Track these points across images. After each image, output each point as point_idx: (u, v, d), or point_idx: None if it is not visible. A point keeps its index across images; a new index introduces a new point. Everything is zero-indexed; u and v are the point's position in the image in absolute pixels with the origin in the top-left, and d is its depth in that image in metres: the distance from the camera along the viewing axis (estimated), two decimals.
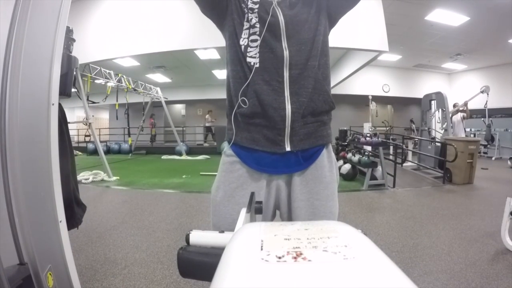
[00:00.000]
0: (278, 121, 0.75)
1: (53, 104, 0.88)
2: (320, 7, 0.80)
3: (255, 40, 0.76)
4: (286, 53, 0.75)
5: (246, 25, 0.78)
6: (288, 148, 0.77)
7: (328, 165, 0.84)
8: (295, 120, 0.76)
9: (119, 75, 6.72)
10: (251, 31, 0.77)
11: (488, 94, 5.95)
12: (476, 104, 8.48)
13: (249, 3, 0.79)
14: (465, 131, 6.13)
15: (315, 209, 0.81)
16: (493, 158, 8.21)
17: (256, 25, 0.76)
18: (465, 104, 6.03)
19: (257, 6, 0.78)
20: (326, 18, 0.82)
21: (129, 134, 8.11)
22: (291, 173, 0.81)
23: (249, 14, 0.77)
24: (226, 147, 0.86)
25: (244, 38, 0.77)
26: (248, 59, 0.76)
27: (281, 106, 0.75)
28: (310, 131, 0.79)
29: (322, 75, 0.79)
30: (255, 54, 0.76)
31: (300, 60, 0.75)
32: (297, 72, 0.75)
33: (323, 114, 0.81)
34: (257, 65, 0.75)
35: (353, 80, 8.97)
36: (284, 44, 0.75)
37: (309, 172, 0.81)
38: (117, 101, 7.07)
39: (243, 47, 0.77)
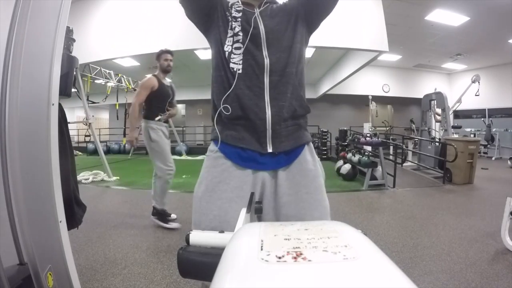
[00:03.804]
0: (259, 125, 0.79)
1: (53, 104, 0.88)
2: (297, 16, 0.84)
3: (239, 48, 0.80)
4: (266, 61, 0.79)
5: (230, 33, 0.81)
6: (270, 150, 0.80)
7: (312, 160, 0.86)
8: (275, 123, 0.79)
9: (119, 75, 6.72)
10: (234, 39, 0.81)
11: (479, 82, 5.92)
12: (475, 104, 8.51)
13: (232, 11, 0.83)
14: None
15: (305, 203, 0.81)
16: (493, 158, 8.21)
17: (239, 34, 0.80)
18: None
19: (240, 14, 0.82)
20: (304, 26, 0.86)
21: (124, 134, 8.07)
22: (276, 169, 0.83)
23: (233, 23, 0.82)
24: (210, 144, 0.88)
25: (228, 45, 0.81)
26: (232, 65, 0.80)
27: (261, 110, 0.78)
28: (290, 133, 0.83)
29: (299, 81, 0.84)
30: (239, 60, 0.79)
31: (279, 67, 0.80)
32: (276, 78, 0.80)
33: (300, 118, 0.86)
34: (240, 71, 0.79)
35: (353, 80, 8.96)
36: (265, 52, 0.80)
37: (294, 166, 0.83)
38: (117, 101, 7.07)
39: (227, 53, 0.80)
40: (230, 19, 0.82)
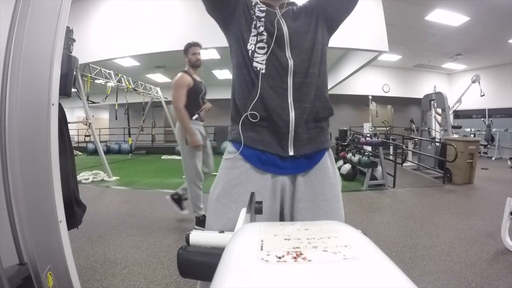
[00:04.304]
0: (282, 126, 0.77)
1: (53, 104, 0.87)
2: (318, 17, 0.84)
3: (262, 48, 0.79)
4: (290, 62, 0.78)
5: (253, 31, 0.80)
6: (291, 153, 0.79)
7: (332, 167, 0.85)
8: (298, 125, 0.78)
9: (119, 75, 6.72)
10: (258, 38, 0.80)
11: (479, 83, 5.91)
12: (475, 104, 8.51)
13: (256, 10, 0.82)
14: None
15: (321, 210, 0.80)
16: (493, 158, 8.21)
17: (263, 33, 0.79)
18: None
19: (263, 14, 0.81)
20: (324, 27, 0.85)
21: (129, 134, 8.11)
22: (296, 174, 0.81)
23: (257, 22, 0.80)
24: (228, 145, 0.86)
25: (251, 44, 0.80)
26: (255, 64, 0.78)
27: (284, 112, 0.77)
28: (312, 136, 0.81)
29: (322, 82, 0.82)
30: (262, 60, 0.78)
31: (302, 68, 0.79)
32: (300, 79, 0.78)
33: (323, 121, 0.84)
34: (263, 71, 0.78)
35: (353, 80, 8.96)
36: (288, 53, 0.79)
37: (313, 172, 0.82)
38: (116, 101, 7.07)
39: (250, 52, 0.79)
40: (255, 18, 0.81)
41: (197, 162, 2.33)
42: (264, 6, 0.83)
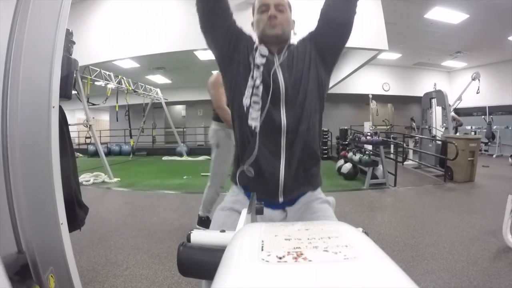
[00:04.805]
0: (273, 182, 0.83)
1: (53, 107, 0.88)
2: (314, 57, 0.85)
3: (257, 103, 0.81)
4: (284, 121, 0.81)
5: (250, 82, 0.82)
6: (281, 200, 0.85)
7: (319, 199, 0.89)
8: (288, 178, 0.83)
9: (119, 76, 6.73)
10: (254, 91, 0.81)
11: (479, 80, 5.90)
12: (476, 102, 8.49)
13: (256, 55, 0.83)
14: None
15: (313, 215, 0.84)
16: (494, 156, 8.19)
17: (259, 87, 0.81)
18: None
19: (263, 61, 0.82)
20: (321, 67, 0.86)
21: (130, 136, 8.09)
22: (284, 208, 0.88)
23: (255, 71, 0.81)
24: (232, 187, 0.95)
25: (247, 97, 0.82)
26: (250, 122, 0.81)
27: (276, 171, 0.82)
28: (301, 184, 0.87)
29: (312, 135, 0.85)
30: (257, 117, 0.81)
31: (294, 126, 0.82)
32: (292, 137, 0.82)
33: (311, 168, 0.88)
34: (258, 130, 0.81)
35: (353, 79, 8.95)
36: (283, 111, 0.82)
37: (301, 201, 0.88)
38: (117, 102, 7.08)
39: (245, 108, 0.82)
40: (253, 66, 0.82)
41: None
42: (266, 49, 0.84)
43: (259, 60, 0.82)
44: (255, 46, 0.86)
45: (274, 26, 0.84)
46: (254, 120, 0.80)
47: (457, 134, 5.86)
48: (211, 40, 0.87)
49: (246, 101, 0.81)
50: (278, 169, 0.82)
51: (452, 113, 6.06)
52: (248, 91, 0.81)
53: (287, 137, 0.81)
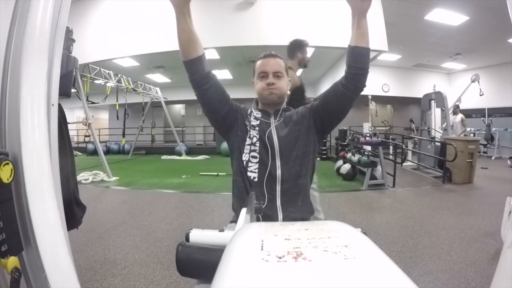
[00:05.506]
0: (273, 219, 0.89)
1: (53, 105, 0.87)
2: (309, 125, 0.96)
3: (255, 157, 0.93)
4: (279, 172, 0.91)
5: (248, 141, 0.94)
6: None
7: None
8: (285, 217, 0.90)
9: (119, 75, 6.71)
10: (252, 148, 0.93)
11: (479, 82, 5.91)
12: (475, 103, 8.51)
13: (251, 119, 0.97)
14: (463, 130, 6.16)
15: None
16: (493, 158, 8.21)
17: (256, 144, 0.93)
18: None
19: (258, 123, 0.96)
20: (315, 134, 0.97)
21: (123, 135, 7.98)
22: None
23: (251, 131, 0.95)
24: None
25: (246, 154, 0.93)
26: (249, 173, 0.92)
27: (274, 214, 0.90)
28: (298, 217, 0.93)
29: (305, 186, 0.94)
30: (255, 169, 0.92)
31: (290, 177, 0.91)
32: (287, 186, 0.91)
33: (308, 216, 0.96)
34: (256, 179, 0.91)
35: None
36: (278, 163, 0.92)
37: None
38: (117, 101, 7.06)
39: (244, 162, 0.93)
40: (249, 128, 0.95)
41: None
42: (259, 113, 0.98)
43: (254, 122, 0.96)
44: (249, 111, 0.99)
45: (271, 93, 0.96)
46: (253, 171, 0.91)
47: (462, 135, 5.87)
48: (212, 120, 0.98)
49: (245, 157, 0.93)
50: (275, 212, 0.90)
51: (461, 115, 6.05)
52: (246, 149, 0.93)
53: (282, 186, 0.91)
